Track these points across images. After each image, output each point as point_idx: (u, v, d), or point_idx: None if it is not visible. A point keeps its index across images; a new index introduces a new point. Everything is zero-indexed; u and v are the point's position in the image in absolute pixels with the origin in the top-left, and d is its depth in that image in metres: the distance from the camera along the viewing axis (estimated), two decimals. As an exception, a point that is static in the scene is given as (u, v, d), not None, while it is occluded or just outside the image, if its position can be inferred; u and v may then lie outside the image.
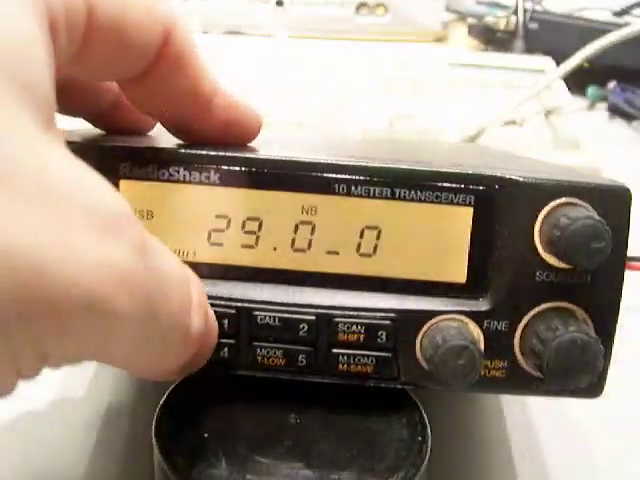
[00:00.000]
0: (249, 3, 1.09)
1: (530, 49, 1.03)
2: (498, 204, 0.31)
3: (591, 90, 0.98)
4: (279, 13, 1.10)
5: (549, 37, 1.02)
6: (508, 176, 0.31)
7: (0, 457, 0.40)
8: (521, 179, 0.31)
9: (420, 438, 0.32)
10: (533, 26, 1.03)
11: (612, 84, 0.97)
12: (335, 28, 1.12)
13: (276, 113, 0.82)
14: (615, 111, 0.96)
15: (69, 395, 0.44)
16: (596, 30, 0.93)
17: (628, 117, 0.95)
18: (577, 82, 0.93)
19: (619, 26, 0.92)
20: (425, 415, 0.33)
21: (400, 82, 0.89)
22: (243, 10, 1.09)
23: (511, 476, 0.41)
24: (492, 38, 1.08)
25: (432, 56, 0.95)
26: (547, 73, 0.92)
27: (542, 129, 0.83)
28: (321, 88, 0.88)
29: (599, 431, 0.45)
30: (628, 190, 0.31)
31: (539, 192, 0.31)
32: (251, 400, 0.33)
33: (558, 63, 0.90)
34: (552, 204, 0.31)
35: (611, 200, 0.31)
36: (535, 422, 0.45)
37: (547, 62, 0.95)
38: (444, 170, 0.31)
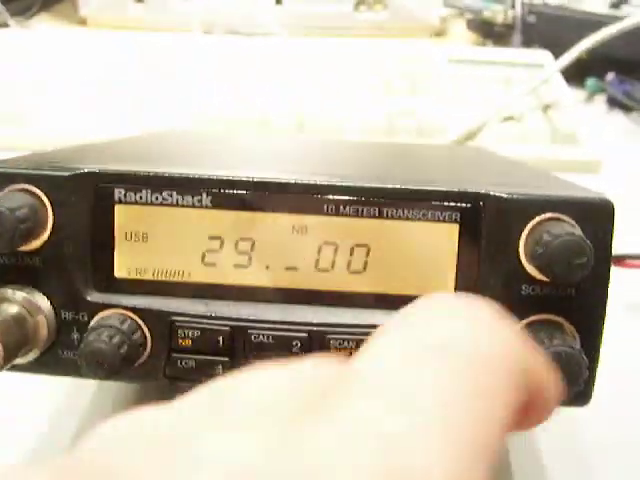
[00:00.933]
0: (248, 2, 1.09)
1: (528, 42, 1.04)
2: (483, 220, 0.32)
3: (590, 82, 0.98)
4: (278, 11, 1.11)
5: (547, 30, 1.03)
6: (492, 193, 0.32)
7: None
8: (505, 195, 0.32)
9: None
10: (531, 19, 1.03)
11: (611, 76, 0.97)
12: (334, 25, 1.12)
13: (276, 112, 0.82)
14: (614, 103, 0.97)
15: (71, 413, 0.45)
16: (594, 22, 0.94)
17: (627, 109, 0.95)
18: (575, 74, 0.93)
19: (616, 18, 0.93)
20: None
21: (399, 79, 0.89)
22: (243, 9, 1.09)
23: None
24: (490, 32, 1.08)
25: (431, 52, 0.95)
26: (545, 67, 0.92)
27: (540, 124, 0.84)
28: (321, 86, 0.88)
29: (596, 431, 0.46)
30: (611, 203, 0.32)
31: (523, 208, 0.31)
32: None
33: (557, 55, 0.91)
34: (536, 219, 0.31)
35: (594, 214, 0.31)
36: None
37: (545, 56, 0.95)
38: (430, 189, 0.32)
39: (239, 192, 0.32)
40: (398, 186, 0.32)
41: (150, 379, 0.34)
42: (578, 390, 0.31)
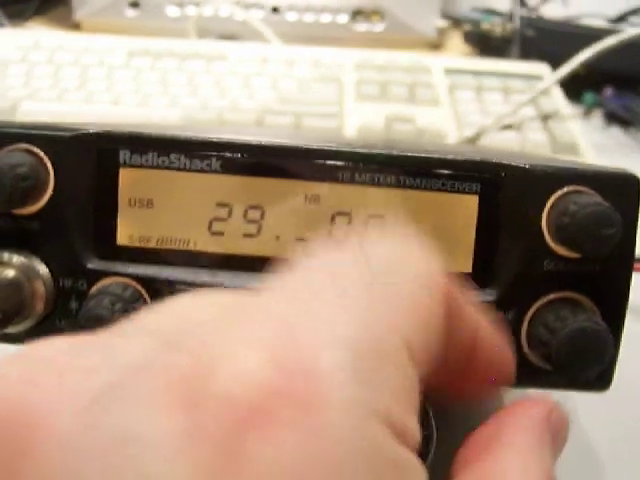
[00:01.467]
0: (244, 9, 1.09)
1: (526, 56, 1.03)
2: (504, 192, 0.31)
3: (587, 96, 0.98)
4: (274, 19, 1.10)
5: (545, 44, 1.02)
6: (514, 164, 0.31)
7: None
8: (528, 166, 0.30)
9: (426, 432, 0.31)
10: (529, 33, 1.03)
11: (608, 91, 0.96)
12: (331, 35, 1.11)
13: (270, 116, 0.81)
14: (612, 118, 0.96)
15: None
16: (592, 37, 0.93)
17: (625, 124, 0.95)
18: (572, 89, 0.93)
19: (615, 33, 0.92)
20: (429, 407, 0.33)
21: (396, 88, 0.89)
22: (238, 16, 1.08)
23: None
24: (488, 45, 1.07)
25: (428, 62, 0.95)
26: (543, 79, 0.91)
27: (540, 134, 0.83)
28: (316, 94, 0.87)
29: (601, 430, 0.45)
30: (637, 178, 0.31)
31: (546, 180, 0.30)
32: None
33: (554, 70, 0.90)
34: (560, 192, 0.30)
35: (620, 188, 0.30)
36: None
37: (543, 68, 0.95)
38: (450, 157, 0.31)
39: (250, 157, 0.31)
40: (416, 154, 0.31)
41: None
42: (601, 371, 0.30)
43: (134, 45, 0.93)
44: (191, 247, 0.31)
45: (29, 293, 0.30)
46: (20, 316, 0.30)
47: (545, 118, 0.86)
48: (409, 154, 0.31)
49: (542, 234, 0.30)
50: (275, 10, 1.10)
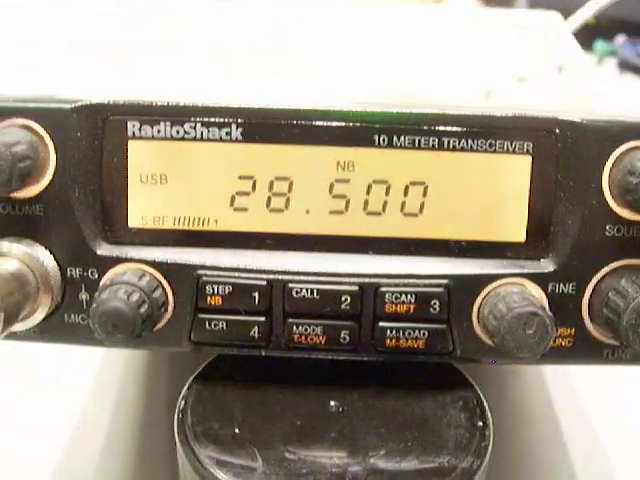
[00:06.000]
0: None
1: (533, 5, 0.99)
2: (560, 151, 0.27)
3: (599, 45, 0.94)
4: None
5: (553, -9, 0.98)
6: (570, 118, 0.27)
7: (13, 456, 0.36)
8: (585, 121, 0.27)
9: (481, 423, 0.28)
10: (536, -19, 0.99)
11: (621, 38, 0.93)
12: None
13: (267, 79, 0.78)
14: (625, 66, 0.92)
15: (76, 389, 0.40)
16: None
17: (638, 71, 0.91)
18: (583, 38, 0.89)
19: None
20: (483, 397, 0.30)
21: (400, 45, 0.85)
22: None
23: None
24: (493, -5, 1.03)
25: (433, 16, 0.91)
26: (555, 28, 0.88)
27: (555, 86, 0.79)
28: (314, 54, 0.84)
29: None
30: None
31: (607, 135, 0.27)
32: (286, 386, 0.30)
33: (565, 19, 0.86)
34: (622, 147, 0.27)
35: None
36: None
37: (555, 17, 0.91)
38: (497, 114, 0.27)
39: (274, 123, 0.27)
40: (462, 112, 0.27)
41: (171, 346, 0.29)
42: None
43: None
44: (212, 226, 0.28)
45: (34, 286, 0.27)
46: (25, 313, 0.27)
47: (560, 69, 0.82)
48: (452, 112, 0.27)
49: (603, 196, 0.27)
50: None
